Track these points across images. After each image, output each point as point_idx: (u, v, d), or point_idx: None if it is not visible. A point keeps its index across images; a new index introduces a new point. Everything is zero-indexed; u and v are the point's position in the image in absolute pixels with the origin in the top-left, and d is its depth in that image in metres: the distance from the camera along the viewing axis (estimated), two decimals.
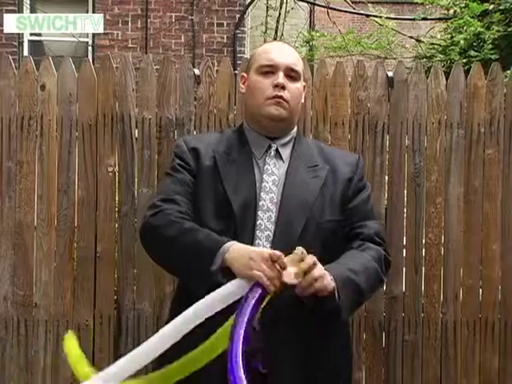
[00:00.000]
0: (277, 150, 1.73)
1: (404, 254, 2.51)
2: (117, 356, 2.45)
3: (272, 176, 1.68)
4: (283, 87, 1.68)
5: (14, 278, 2.48)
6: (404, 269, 2.51)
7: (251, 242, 1.60)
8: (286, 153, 1.74)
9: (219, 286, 1.42)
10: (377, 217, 1.83)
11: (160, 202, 1.65)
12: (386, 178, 2.52)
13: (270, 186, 1.66)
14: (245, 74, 1.80)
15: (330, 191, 1.70)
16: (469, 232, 2.51)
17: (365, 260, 1.63)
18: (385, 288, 2.49)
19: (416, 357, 2.50)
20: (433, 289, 2.50)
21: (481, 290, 2.53)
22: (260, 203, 1.63)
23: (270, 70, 1.70)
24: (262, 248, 1.55)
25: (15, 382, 2.48)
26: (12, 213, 2.47)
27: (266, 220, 1.63)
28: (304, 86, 1.79)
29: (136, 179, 2.47)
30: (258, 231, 1.62)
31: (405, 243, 2.52)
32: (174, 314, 1.75)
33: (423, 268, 2.51)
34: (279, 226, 1.62)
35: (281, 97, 1.68)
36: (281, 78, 1.68)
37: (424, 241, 2.51)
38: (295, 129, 1.80)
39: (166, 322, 1.82)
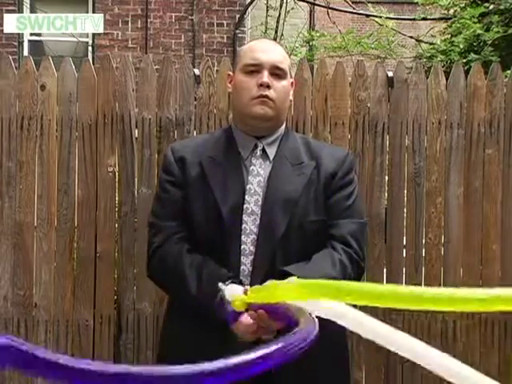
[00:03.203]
0: (263, 150, 1.70)
1: (404, 254, 2.51)
2: (117, 356, 2.46)
3: (257, 177, 1.66)
4: (268, 86, 1.65)
5: (14, 277, 2.48)
6: (404, 269, 2.51)
7: (239, 247, 1.60)
8: (272, 152, 1.71)
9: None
10: (358, 214, 1.72)
11: (153, 238, 1.68)
12: (386, 178, 2.52)
13: (255, 187, 1.64)
14: (231, 73, 1.79)
15: (315, 189, 1.67)
16: (469, 232, 2.51)
17: (326, 271, 1.55)
18: None
19: None
20: None
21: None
22: (245, 207, 1.62)
23: (254, 69, 1.67)
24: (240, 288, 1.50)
25: (15, 382, 2.48)
26: (12, 213, 2.47)
27: (251, 223, 1.62)
28: (292, 83, 1.76)
29: (136, 179, 2.47)
30: (243, 236, 1.61)
31: (405, 243, 2.52)
32: (167, 330, 1.77)
33: (423, 268, 2.51)
34: (262, 228, 1.61)
35: (266, 96, 1.65)
36: (265, 77, 1.65)
37: (424, 241, 2.51)
38: (283, 126, 1.77)
39: (163, 327, 1.82)
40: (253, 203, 1.63)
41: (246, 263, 1.60)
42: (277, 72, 1.68)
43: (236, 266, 1.60)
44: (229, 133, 1.76)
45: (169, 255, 1.64)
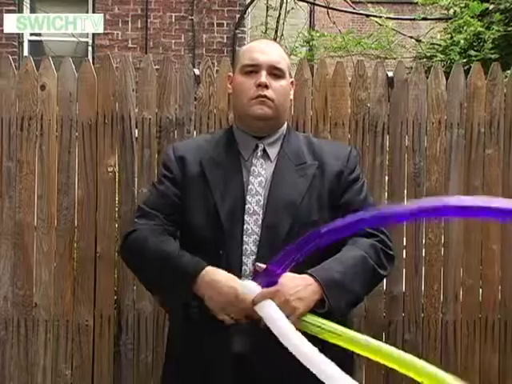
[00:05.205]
0: (264, 150, 1.70)
1: (404, 254, 2.51)
2: (117, 356, 2.46)
3: (259, 177, 1.65)
4: (266, 86, 1.65)
5: (14, 277, 2.48)
6: (404, 269, 2.51)
7: (240, 247, 1.60)
8: (273, 152, 1.71)
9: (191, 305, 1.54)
10: (372, 207, 1.73)
11: (136, 219, 1.70)
12: (386, 178, 2.52)
13: (257, 188, 1.64)
14: (231, 74, 1.79)
15: (318, 189, 1.66)
16: (469, 232, 2.51)
17: (352, 260, 1.58)
18: (385, 288, 2.49)
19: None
20: (433, 289, 2.50)
21: (481, 290, 2.53)
22: (246, 207, 1.62)
23: (252, 69, 1.68)
24: (231, 278, 1.53)
25: (15, 382, 2.48)
26: (12, 213, 2.47)
27: (253, 224, 1.61)
28: (291, 83, 1.76)
29: (136, 179, 2.47)
30: (245, 236, 1.61)
31: (405, 243, 2.52)
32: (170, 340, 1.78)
33: (423, 268, 2.51)
34: (265, 228, 1.61)
35: (264, 96, 1.65)
36: (263, 77, 1.65)
37: (424, 241, 2.51)
38: (284, 126, 1.77)
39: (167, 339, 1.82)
40: (254, 203, 1.63)
41: (248, 263, 1.60)
42: (275, 72, 1.68)
43: (237, 267, 1.59)
44: (230, 133, 1.76)
45: (149, 236, 1.63)
